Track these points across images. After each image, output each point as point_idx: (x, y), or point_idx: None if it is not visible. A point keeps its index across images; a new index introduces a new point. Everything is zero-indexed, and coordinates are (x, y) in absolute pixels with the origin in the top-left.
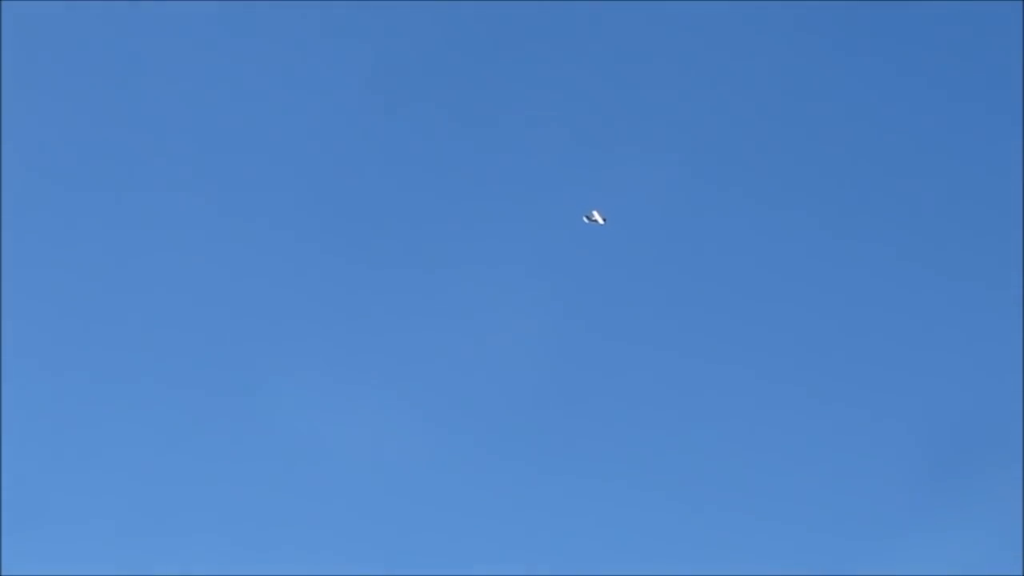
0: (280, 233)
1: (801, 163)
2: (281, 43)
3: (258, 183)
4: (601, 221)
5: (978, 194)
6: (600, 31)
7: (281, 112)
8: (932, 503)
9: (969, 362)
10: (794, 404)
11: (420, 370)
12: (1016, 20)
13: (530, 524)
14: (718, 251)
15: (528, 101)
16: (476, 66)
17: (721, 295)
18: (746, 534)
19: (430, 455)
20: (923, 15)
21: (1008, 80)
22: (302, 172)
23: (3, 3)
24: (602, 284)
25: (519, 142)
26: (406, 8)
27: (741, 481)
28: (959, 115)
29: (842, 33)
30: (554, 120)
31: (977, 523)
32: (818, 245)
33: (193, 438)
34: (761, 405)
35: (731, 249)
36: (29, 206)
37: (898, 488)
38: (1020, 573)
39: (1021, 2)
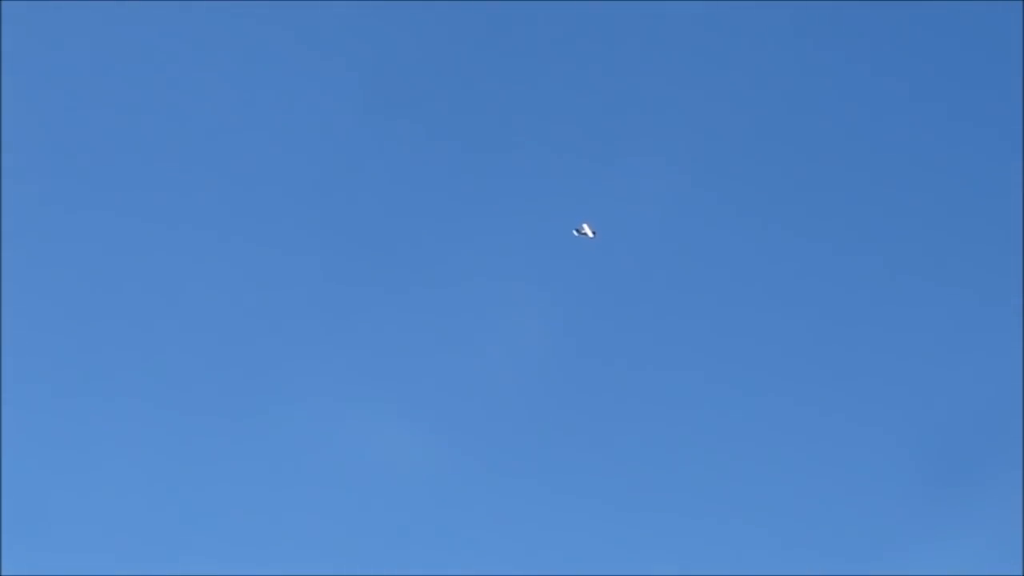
0: (278, 233)
1: (799, 167)
2: (281, 44)
3: (258, 185)
4: (591, 235)
5: (977, 197)
6: (599, 32)
7: (281, 114)
8: (932, 505)
9: (969, 365)
10: (794, 408)
11: (424, 381)
12: (1016, 20)
13: (536, 531)
14: (716, 257)
15: (528, 104)
16: (476, 69)
17: (719, 301)
18: (747, 538)
19: (436, 465)
20: (923, 15)
21: (1008, 81)
22: (301, 175)
23: (3, 3)
24: (603, 292)
25: (519, 147)
26: (406, 9)
27: (742, 486)
28: (959, 116)
29: (842, 34)
30: (554, 125)
31: (977, 525)
32: (816, 249)
33: (192, 441)
34: (761, 410)
35: (729, 255)
36: (29, 206)
37: (898, 490)
38: (1020, 574)
39: (1021, 2)
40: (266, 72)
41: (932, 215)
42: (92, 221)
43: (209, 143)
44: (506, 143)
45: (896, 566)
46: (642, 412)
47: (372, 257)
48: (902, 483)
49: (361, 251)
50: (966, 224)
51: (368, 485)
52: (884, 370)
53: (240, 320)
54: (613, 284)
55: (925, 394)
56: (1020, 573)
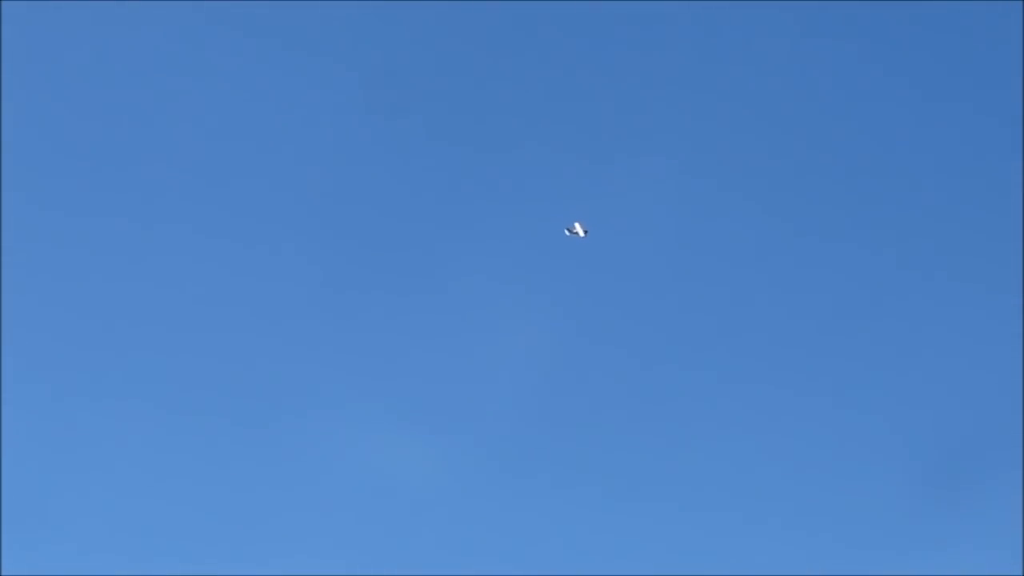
0: (281, 236)
1: (801, 166)
2: (281, 45)
3: (261, 187)
4: (582, 234)
5: (978, 198)
6: (599, 33)
7: (281, 116)
8: (933, 506)
9: (969, 365)
10: (795, 409)
11: (429, 384)
12: (1016, 20)
13: (542, 531)
14: (717, 258)
15: (529, 105)
16: (476, 70)
17: (720, 302)
18: (749, 538)
19: (441, 467)
20: (923, 15)
21: (1008, 81)
22: (305, 179)
23: (3, 3)
24: (605, 292)
25: (519, 149)
26: (406, 9)
27: (743, 486)
28: (959, 116)
29: (842, 34)
30: (554, 126)
31: (977, 525)
32: (816, 251)
33: (193, 443)
34: (762, 410)
35: (729, 255)
36: (30, 205)
37: (899, 491)
38: (1020, 574)
39: (1021, 2)
40: (266, 73)
41: (932, 216)
42: (92, 223)
43: (210, 145)
44: (507, 145)
45: (896, 566)
46: (643, 413)
47: (377, 261)
48: (903, 484)
49: (368, 255)
50: (967, 225)
51: (374, 487)
52: (885, 371)
53: (244, 322)
54: (615, 284)
55: (926, 395)
56: (1020, 573)
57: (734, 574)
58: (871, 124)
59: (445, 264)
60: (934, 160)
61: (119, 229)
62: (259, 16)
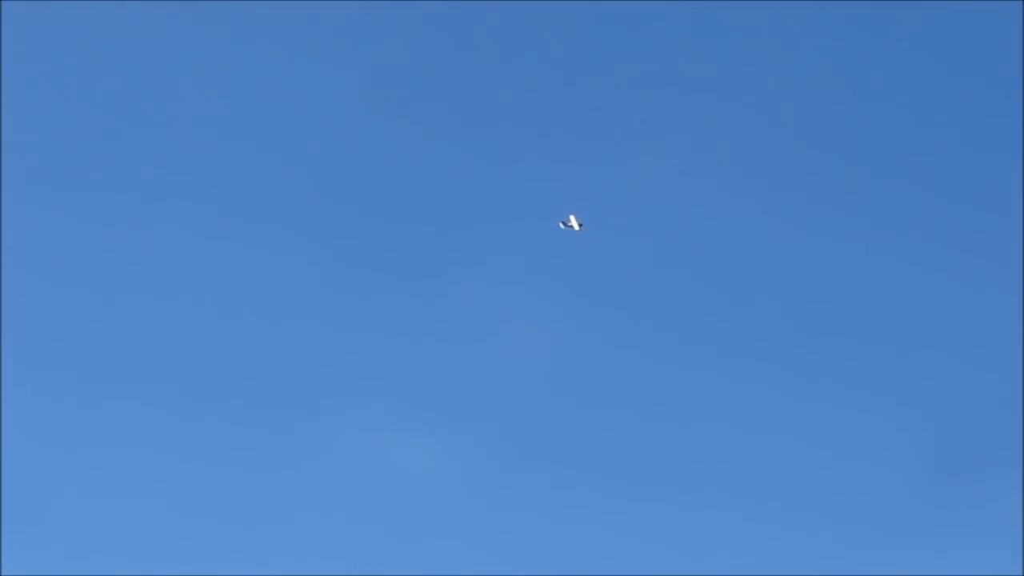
0: (283, 238)
1: (800, 166)
2: (281, 46)
3: (263, 190)
4: (577, 227)
5: (978, 198)
6: (599, 33)
7: (281, 117)
8: (933, 505)
9: (969, 365)
10: (795, 409)
11: (434, 386)
12: (1016, 20)
13: (549, 531)
14: (718, 258)
15: (530, 106)
16: (476, 71)
17: (721, 302)
18: (749, 538)
19: (446, 468)
20: (923, 15)
21: (1008, 81)
22: (297, 176)
23: (3, 3)
24: (608, 292)
25: (521, 150)
26: (406, 10)
27: (743, 486)
28: (959, 116)
29: (842, 34)
30: (555, 128)
31: (977, 525)
32: (817, 251)
33: (193, 444)
34: (762, 410)
35: (731, 256)
36: (31, 206)
37: (899, 490)
38: (1020, 574)
39: (1021, 2)
40: (266, 74)
41: (932, 216)
42: (93, 224)
43: (212, 146)
44: (507, 145)
45: (896, 566)
46: (644, 413)
47: (379, 262)
48: (903, 484)
49: (370, 256)
50: (967, 225)
51: (379, 487)
52: (885, 371)
53: (244, 324)
54: (616, 284)
55: (926, 395)
56: (1020, 573)
57: (734, 574)
58: (871, 124)
59: (446, 265)
60: (934, 160)
61: (121, 230)
62: (259, 16)
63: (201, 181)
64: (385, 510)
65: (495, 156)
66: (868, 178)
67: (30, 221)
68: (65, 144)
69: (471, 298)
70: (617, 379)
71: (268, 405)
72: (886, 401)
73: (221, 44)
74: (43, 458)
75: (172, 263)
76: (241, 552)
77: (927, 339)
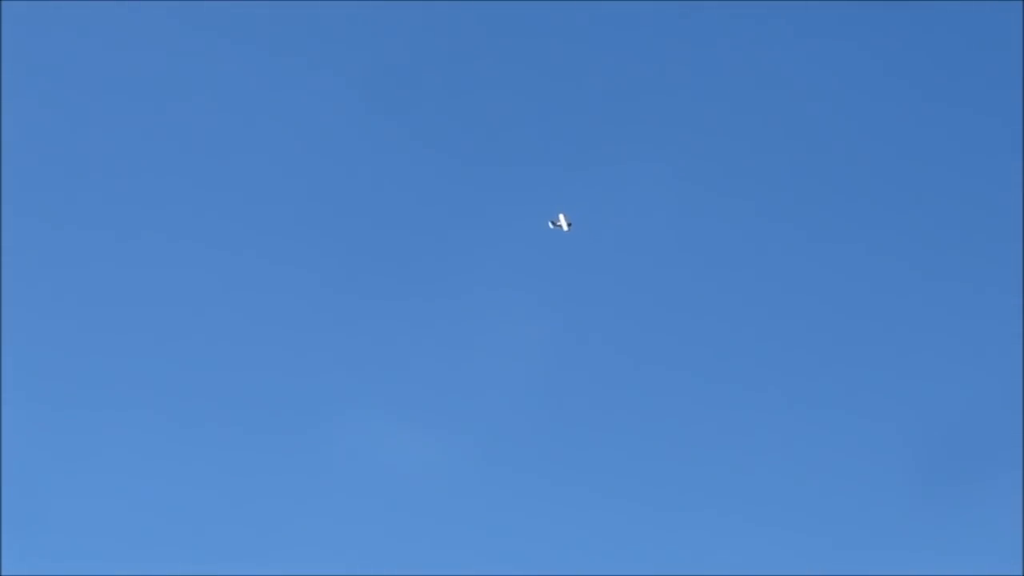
0: (285, 239)
1: (798, 167)
2: (280, 45)
3: (257, 188)
4: (566, 227)
5: (978, 198)
6: (598, 34)
7: (280, 115)
8: (932, 505)
9: (969, 365)
10: (795, 408)
11: (437, 386)
12: (1016, 20)
13: (557, 532)
14: (716, 259)
15: (531, 108)
16: (471, 73)
17: (719, 301)
18: (748, 538)
19: (452, 468)
20: (923, 15)
21: (1008, 81)
22: (296, 176)
23: (3, 3)
24: (608, 293)
25: (519, 153)
26: (406, 10)
27: (743, 485)
28: (958, 116)
29: (841, 34)
30: (553, 128)
31: (977, 525)
32: (816, 251)
33: (193, 445)
34: (761, 410)
35: (728, 257)
36: (32, 208)
37: (899, 490)
38: (1020, 574)
39: (1021, 2)
40: (266, 74)
41: (932, 216)
42: (93, 224)
43: (211, 149)
44: (505, 148)
45: (896, 566)
46: (645, 414)
47: (379, 264)
48: (902, 483)
49: (372, 257)
50: (966, 225)
51: (381, 487)
52: (884, 370)
53: (244, 325)
54: (614, 285)
55: (926, 394)
56: (1020, 573)
57: (734, 574)
58: (869, 124)
59: (444, 266)
60: (933, 160)
61: (123, 233)
62: (259, 16)
63: (201, 184)
64: (387, 510)
65: (493, 158)
66: (866, 179)
67: (30, 224)
68: (64, 145)
69: (470, 299)
70: (617, 379)
71: (269, 406)
72: (886, 401)
73: (221, 45)
74: (44, 458)
75: (173, 266)
76: (242, 552)
77: (927, 339)
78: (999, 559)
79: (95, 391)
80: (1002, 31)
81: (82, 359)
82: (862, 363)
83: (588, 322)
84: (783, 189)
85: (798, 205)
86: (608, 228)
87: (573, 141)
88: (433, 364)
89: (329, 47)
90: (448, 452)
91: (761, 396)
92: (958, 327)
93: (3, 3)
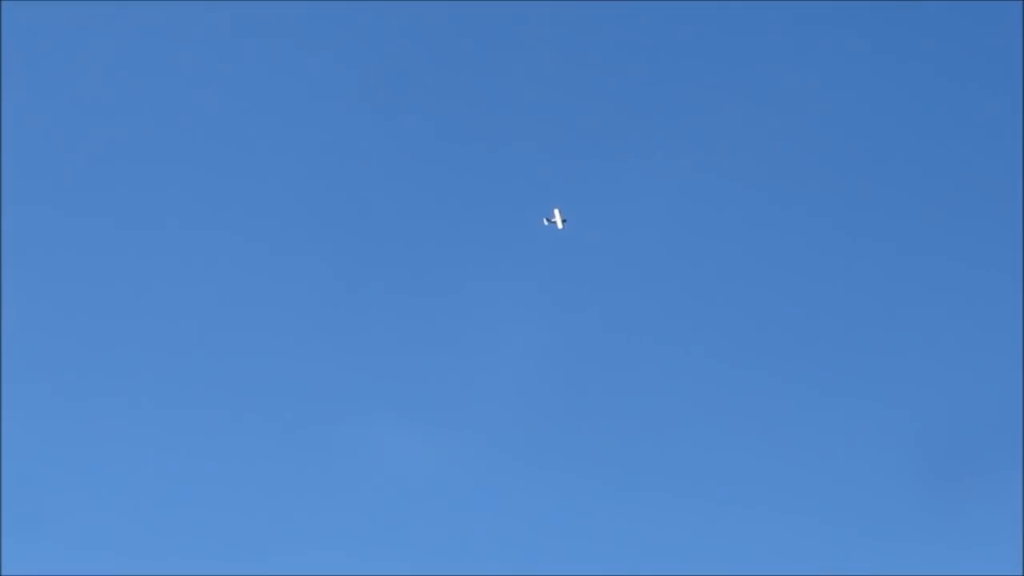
0: (275, 235)
1: (800, 163)
2: (280, 45)
3: (257, 187)
4: (560, 224)
5: (978, 198)
6: (599, 35)
7: (281, 115)
8: (932, 505)
9: (969, 364)
10: (795, 408)
11: (441, 386)
12: (1016, 20)
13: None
14: (717, 257)
15: (531, 108)
16: (477, 71)
17: (721, 302)
18: (749, 537)
19: (457, 468)
20: (923, 15)
21: (1008, 81)
22: (294, 175)
23: (3, 3)
24: (610, 292)
25: (520, 151)
26: (406, 9)
27: (743, 485)
28: (958, 115)
29: (842, 33)
30: (555, 129)
31: (977, 525)
32: (816, 250)
33: (194, 445)
34: (761, 410)
35: (729, 255)
36: (34, 207)
37: (898, 490)
38: (1020, 574)
39: (1021, 2)
40: (264, 73)
41: (933, 216)
42: (95, 225)
43: (215, 146)
44: (508, 145)
45: (896, 566)
46: (651, 412)
47: (383, 261)
48: (902, 482)
49: (375, 256)
50: (966, 225)
51: (387, 486)
52: (885, 370)
53: (245, 324)
54: (619, 281)
55: (926, 394)
56: (1020, 573)
57: (734, 574)
58: (870, 124)
59: (449, 265)
60: (934, 159)
61: (128, 231)
62: (259, 16)
63: (201, 183)
64: (395, 510)
65: (496, 155)
66: (867, 179)
67: (31, 224)
68: (65, 143)
69: (474, 298)
70: (625, 377)
71: (274, 406)
72: (886, 400)
73: (220, 44)
74: (44, 458)
75: (177, 263)
76: (244, 552)
77: (927, 338)
78: (999, 559)
79: (97, 390)
80: (1002, 31)
81: (84, 358)
82: (862, 362)
83: (595, 320)
84: (784, 187)
85: (799, 204)
86: (612, 226)
87: (574, 139)
88: (439, 362)
89: (329, 46)
90: (455, 451)
91: (762, 395)
92: (958, 326)
93: (3, 3)
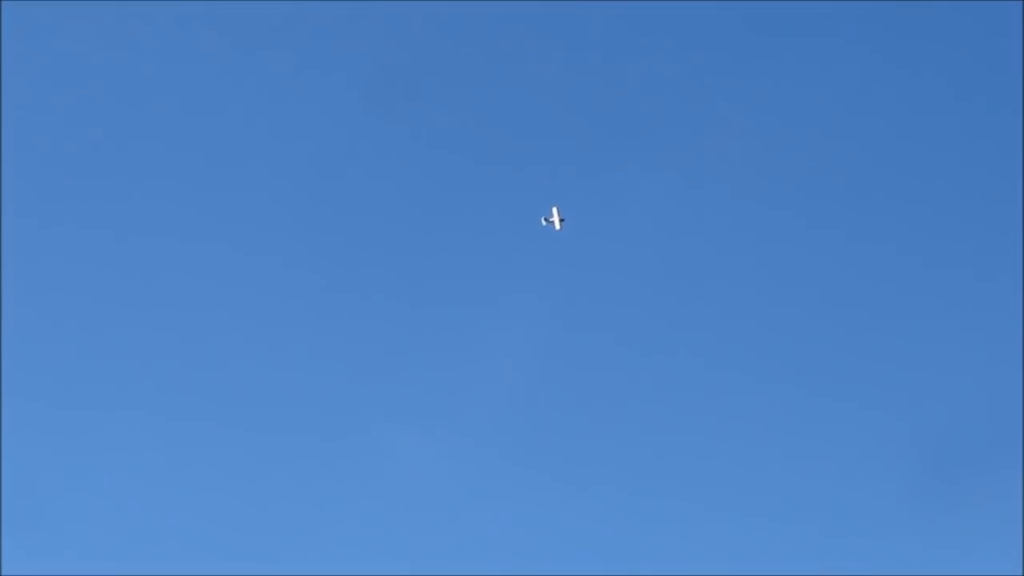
0: (274, 234)
1: (798, 165)
2: (279, 44)
3: (256, 187)
4: (558, 225)
5: (978, 198)
6: (598, 35)
7: (280, 115)
8: (932, 505)
9: (969, 364)
10: (794, 408)
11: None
12: (1016, 20)
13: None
14: (716, 260)
15: (529, 106)
16: (476, 71)
17: (720, 303)
18: (748, 536)
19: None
20: (923, 15)
21: (1008, 81)
22: (293, 175)
23: (3, 3)
24: (611, 291)
25: (520, 154)
26: (406, 10)
27: (743, 485)
28: (958, 115)
29: (842, 33)
30: (554, 128)
31: (977, 525)
32: (816, 250)
33: (193, 444)
34: (761, 410)
35: (728, 257)
36: (34, 208)
37: (899, 490)
38: (1020, 573)
39: (1021, 2)
40: (263, 76)
41: (933, 216)
42: (95, 225)
43: (215, 150)
44: (507, 147)
45: (895, 566)
46: (651, 412)
47: (385, 265)
48: (902, 483)
49: (377, 258)
50: (967, 224)
51: (391, 488)
52: (885, 370)
53: (246, 326)
54: (620, 285)
55: (926, 394)
56: (1020, 573)
57: (734, 574)
58: (871, 125)
59: (450, 270)
60: (934, 159)
61: (126, 232)
62: (259, 16)
63: (202, 185)
64: (402, 514)
65: (497, 160)
66: (867, 179)
67: (32, 224)
68: (65, 145)
69: (477, 302)
70: (631, 380)
71: (278, 409)
72: (885, 400)
73: (220, 44)
74: (45, 458)
75: (173, 268)
76: (246, 552)
77: (926, 338)
78: (999, 559)
79: (99, 392)
80: (1002, 31)
81: (86, 359)
82: (862, 362)
83: (604, 326)
84: (784, 188)
85: (799, 204)
86: (614, 230)
87: (575, 142)
88: (447, 369)
89: (329, 47)
90: (464, 456)
91: (762, 395)
92: (958, 327)
93: (3, 3)
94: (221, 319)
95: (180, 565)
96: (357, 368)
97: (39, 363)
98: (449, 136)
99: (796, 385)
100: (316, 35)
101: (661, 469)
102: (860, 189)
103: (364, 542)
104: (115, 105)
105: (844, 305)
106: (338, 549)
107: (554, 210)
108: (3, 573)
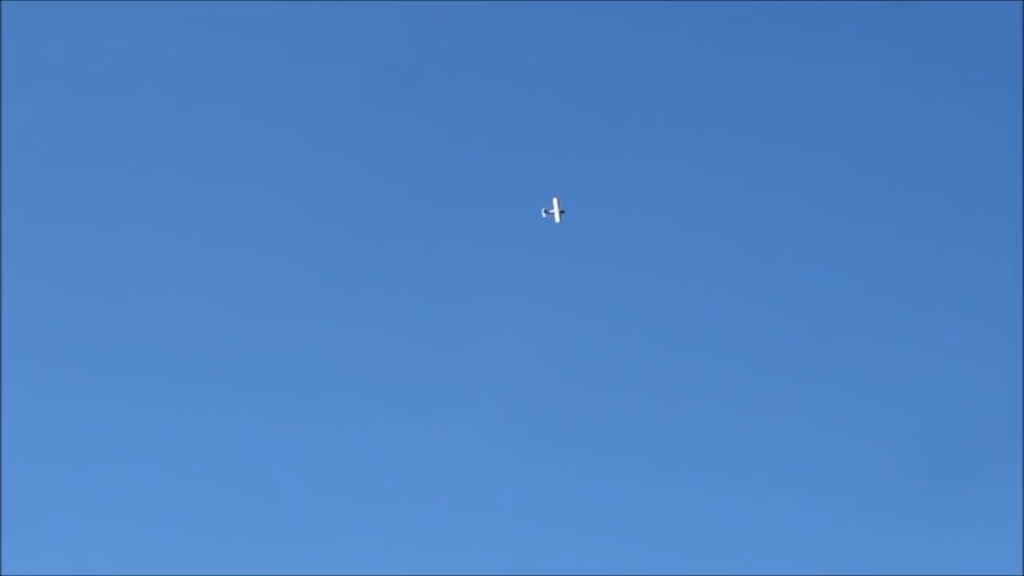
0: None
1: (799, 163)
2: (279, 43)
3: (256, 187)
4: (558, 217)
5: (978, 197)
6: (598, 35)
7: (281, 115)
8: (932, 504)
9: (969, 363)
10: (794, 408)
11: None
12: (1016, 20)
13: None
14: (717, 258)
15: (529, 105)
16: (477, 64)
17: (721, 302)
18: (747, 533)
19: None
20: (923, 15)
21: (1008, 81)
22: (295, 170)
23: (3, 3)
24: (612, 293)
25: (522, 152)
26: (405, 9)
27: (743, 485)
28: (958, 115)
29: (842, 33)
30: (554, 126)
31: (977, 525)
32: (816, 249)
33: (193, 443)
34: (761, 410)
35: (728, 256)
36: (36, 207)
37: (898, 489)
38: (1020, 573)
39: (1021, 2)
40: (262, 73)
41: (933, 216)
42: (95, 225)
43: (216, 148)
44: (509, 144)
45: (895, 564)
46: (647, 406)
47: (386, 260)
48: (902, 482)
49: (378, 255)
50: (967, 224)
51: (394, 486)
52: (884, 369)
53: (246, 324)
54: (624, 280)
55: (926, 393)
56: (1020, 573)
57: (733, 573)
58: (871, 125)
59: (452, 264)
60: (934, 159)
61: (127, 232)
62: (258, 16)
63: (202, 183)
64: (407, 510)
65: (496, 154)
66: (867, 179)
67: (33, 224)
68: (65, 144)
69: (478, 296)
70: (636, 375)
71: (277, 403)
72: (885, 397)
73: (220, 43)
74: (45, 458)
75: (173, 267)
76: (248, 552)
77: (926, 336)
78: (999, 557)
79: (100, 392)
80: (1002, 31)
81: (86, 356)
82: (861, 360)
83: (609, 319)
84: (783, 185)
85: (799, 204)
86: (616, 225)
87: (576, 139)
88: (445, 360)
89: (329, 45)
90: (470, 452)
91: (762, 392)
92: (959, 322)
93: (3, 3)
94: (224, 315)
95: (181, 564)
96: (359, 362)
97: (39, 362)
98: (451, 129)
99: (797, 381)
100: (316, 29)
101: (663, 465)
102: (863, 186)
103: (367, 538)
104: (116, 100)
105: (846, 300)
106: (341, 544)
107: (554, 201)
108: (3, 573)
